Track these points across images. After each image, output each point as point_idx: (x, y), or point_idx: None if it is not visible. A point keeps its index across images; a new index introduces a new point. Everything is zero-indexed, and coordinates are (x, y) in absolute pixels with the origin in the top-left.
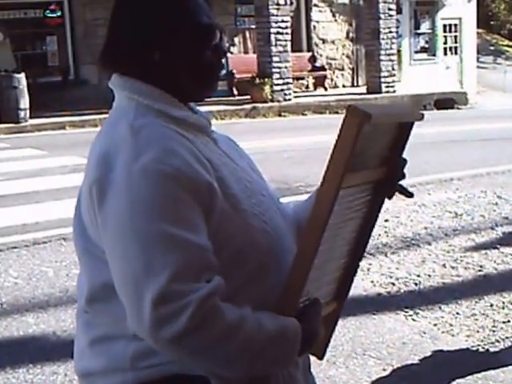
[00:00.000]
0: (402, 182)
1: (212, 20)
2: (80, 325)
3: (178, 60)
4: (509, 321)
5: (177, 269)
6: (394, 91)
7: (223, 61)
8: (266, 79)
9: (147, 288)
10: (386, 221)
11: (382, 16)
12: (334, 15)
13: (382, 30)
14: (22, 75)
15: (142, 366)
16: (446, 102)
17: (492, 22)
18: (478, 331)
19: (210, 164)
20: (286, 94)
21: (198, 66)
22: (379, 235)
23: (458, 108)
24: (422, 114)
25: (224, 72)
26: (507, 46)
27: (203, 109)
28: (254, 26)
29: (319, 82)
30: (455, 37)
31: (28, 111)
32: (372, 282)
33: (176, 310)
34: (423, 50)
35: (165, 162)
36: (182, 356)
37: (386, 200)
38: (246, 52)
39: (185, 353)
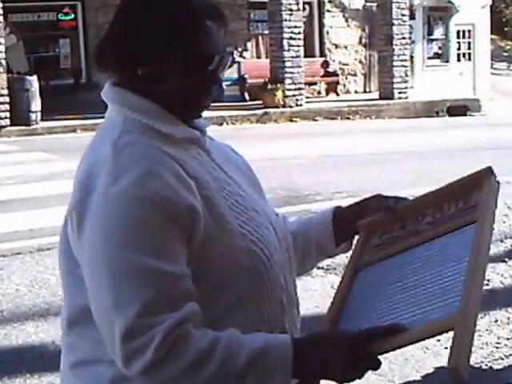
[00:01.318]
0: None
1: (216, 45)
2: (63, 347)
3: (166, 79)
4: None
5: (146, 302)
6: (407, 97)
7: (215, 87)
8: (278, 84)
9: (117, 323)
10: None
11: (395, 22)
12: (346, 20)
13: (395, 35)
14: (34, 77)
15: None
16: (458, 109)
17: (506, 28)
18: (481, 347)
19: (196, 182)
20: (297, 100)
21: (184, 90)
22: None
23: (470, 115)
24: None
25: (235, 77)
26: None
27: (214, 114)
28: (266, 32)
29: (331, 88)
30: (469, 43)
31: (39, 114)
32: None
33: (143, 343)
34: (436, 56)
35: (143, 186)
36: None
37: None
38: (258, 57)
39: (159, 383)
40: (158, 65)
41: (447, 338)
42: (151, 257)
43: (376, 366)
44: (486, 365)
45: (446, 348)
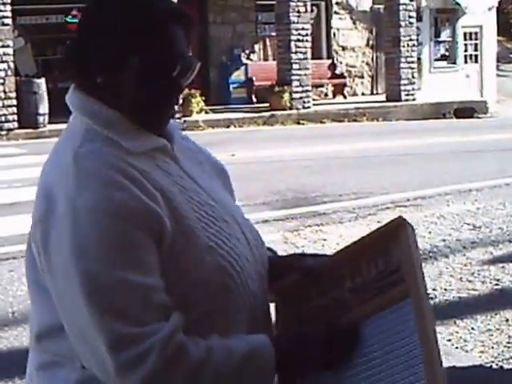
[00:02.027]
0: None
1: (178, 51)
2: (31, 348)
3: (125, 89)
4: None
5: (132, 314)
6: (414, 99)
7: (179, 98)
8: (286, 87)
9: (101, 338)
10: None
11: (403, 23)
12: (354, 22)
13: (402, 37)
14: (42, 80)
15: None
16: (465, 111)
17: None
18: (492, 347)
19: (162, 194)
20: (304, 102)
21: (144, 100)
22: None
23: (477, 117)
24: None
25: (243, 79)
26: None
27: (221, 116)
28: (274, 34)
29: (338, 90)
30: (475, 45)
31: (47, 116)
32: None
33: (141, 352)
34: (443, 57)
35: (108, 197)
36: None
37: (396, 214)
38: (265, 59)
39: None
40: (115, 73)
41: (458, 338)
42: (129, 270)
43: (352, 341)
44: (497, 364)
45: (456, 348)
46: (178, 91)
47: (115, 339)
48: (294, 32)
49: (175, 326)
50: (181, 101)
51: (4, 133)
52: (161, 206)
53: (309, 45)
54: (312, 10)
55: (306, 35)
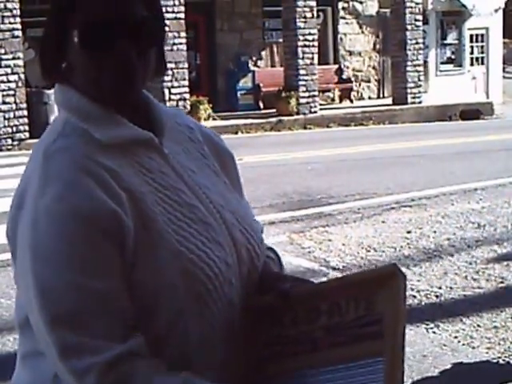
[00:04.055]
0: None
1: (114, 7)
2: (18, 337)
3: (79, 66)
4: None
5: (81, 321)
6: (420, 102)
7: (134, 67)
8: (292, 92)
9: (52, 342)
10: (409, 232)
11: (409, 27)
12: (360, 27)
13: (408, 41)
14: (52, 91)
15: None
16: (471, 113)
17: None
18: (498, 343)
19: (129, 194)
20: (311, 107)
21: (97, 76)
22: (401, 247)
23: (483, 119)
24: None
25: (250, 86)
26: None
27: (229, 123)
28: (281, 40)
29: (345, 95)
30: (482, 47)
31: None
32: None
33: (83, 368)
34: (450, 60)
35: (67, 198)
36: None
37: (401, 214)
38: (273, 65)
39: None
40: (64, 51)
41: (464, 335)
42: (82, 274)
43: None
44: (504, 360)
45: (463, 345)
46: (126, 60)
47: (62, 347)
48: (301, 38)
49: (128, 350)
50: (189, 108)
51: (16, 143)
52: (125, 208)
53: (315, 50)
54: (318, 16)
55: (313, 41)
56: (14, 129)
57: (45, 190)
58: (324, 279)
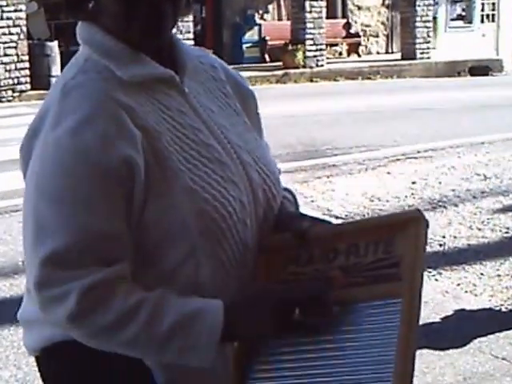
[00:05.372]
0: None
1: None
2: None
3: (107, 4)
4: None
5: (63, 252)
6: (429, 58)
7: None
8: (299, 45)
9: (33, 269)
10: (414, 183)
11: None
12: None
13: None
14: (55, 43)
15: None
16: (480, 69)
17: None
18: (501, 291)
19: (145, 132)
20: (318, 60)
21: (121, 10)
22: (406, 197)
23: (492, 75)
24: None
25: (256, 39)
26: None
27: None
28: None
29: (353, 49)
30: (493, 4)
31: None
32: None
33: (59, 294)
34: (460, 17)
35: (77, 134)
36: (78, 337)
37: (406, 166)
38: (279, 19)
39: (78, 335)
40: None
41: (467, 283)
42: (77, 209)
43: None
44: (506, 308)
45: (466, 292)
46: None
47: (41, 275)
48: None
49: (109, 275)
50: None
51: (17, 94)
52: (136, 147)
53: (323, 4)
54: None
55: None
56: (16, 80)
57: (59, 122)
58: None
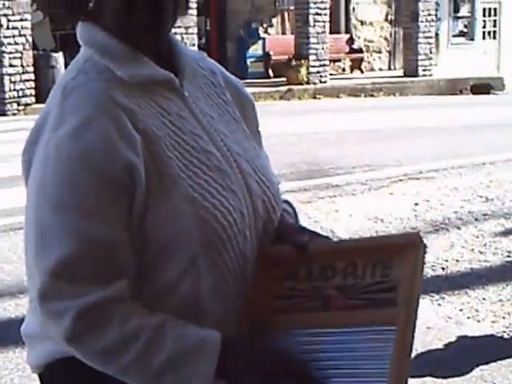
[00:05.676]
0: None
1: None
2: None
3: (107, 3)
4: None
5: (68, 264)
6: (431, 75)
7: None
8: (303, 61)
9: (37, 280)
10: (416, 204)
11: None
12: None
13: (421, 12)
14: (60, 54)
15: None
16: (482, 87)
17: None
18: (503, 317)
19: (145, 136)
20: (321, 76)
21: (122, 8)
22: (408, 219)
23: (494, 93)
24: None
25: (260, 53)
26: None
27: None
28: (292, 7)
29: (356, 65)
30: (494, 21)
31: None
32: None
33: (58, 309)
34: (461, 33)
35: (79, 135)
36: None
37: (409, 187)
38: (283, 33)
39: (74, 354)
40: None
41: (469, 308)
42: (80, 217)
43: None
44: (508, 334)
45: (468, 318)
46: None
47: (43, 289)
48: (313, 5)
49: (108, 296)
50: None
51: (22, 108)
52: (136, 151)
53: (327, 19)
54: None
55: (325, 9)
56: (20, 93)
57: (60, 125)
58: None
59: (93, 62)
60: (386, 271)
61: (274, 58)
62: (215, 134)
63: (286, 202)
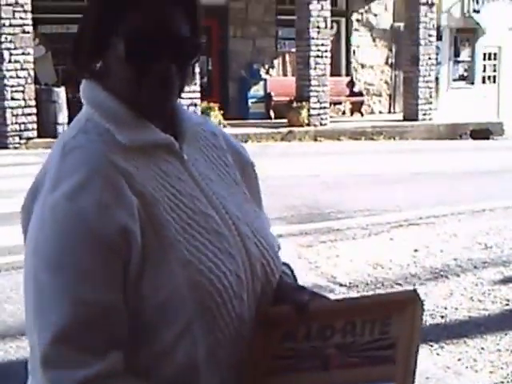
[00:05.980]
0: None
1: (162, 26)
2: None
3: (114, 72)
4: None
5: (64, 330)
6: (431, 119)
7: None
8: (304, 103)
9: (37, 344)
10: (416, 251)
11: (422, 42)
12: (374, 40)
13: (421, 56)
14: (62, 89)
15: None
16: (481, 132)
17: None
18: (501, 368)
19: (142, 199)
20: (322, 119)
21: (132, 84)
22: (408, 265)
23: (493, 139)
24: None
25: (262, 94)
26: None
27: (239, 131)
28: (293, 49)
29: (356, 108)
30: (494, 65)
31: (66, 126)
32: None
33: (51, 379)
34: (462, 77)
35: (74, 198)
36: None
37: (409, 232)
38: (285, 75)
39: None
40: (103, 54)
41: (468, 358)
42: (76, 281)
43: None
44: None
45: (466, 367)
46: (165, 73)
47: (43, 355)
48: (314, 48)
49: (105, 369)
50: (199, 114)
51: (23, 141)
52: (132, 215)
53: (328, 61)
54: (332, 27)
55: (326, 51)
56: (22, 126)
57: (57, 186)
58: (330, 295)
59: (94, 122)
60: (385, 328)
61: (275, 99)
62: (214, 196)
63: (285, 264)
